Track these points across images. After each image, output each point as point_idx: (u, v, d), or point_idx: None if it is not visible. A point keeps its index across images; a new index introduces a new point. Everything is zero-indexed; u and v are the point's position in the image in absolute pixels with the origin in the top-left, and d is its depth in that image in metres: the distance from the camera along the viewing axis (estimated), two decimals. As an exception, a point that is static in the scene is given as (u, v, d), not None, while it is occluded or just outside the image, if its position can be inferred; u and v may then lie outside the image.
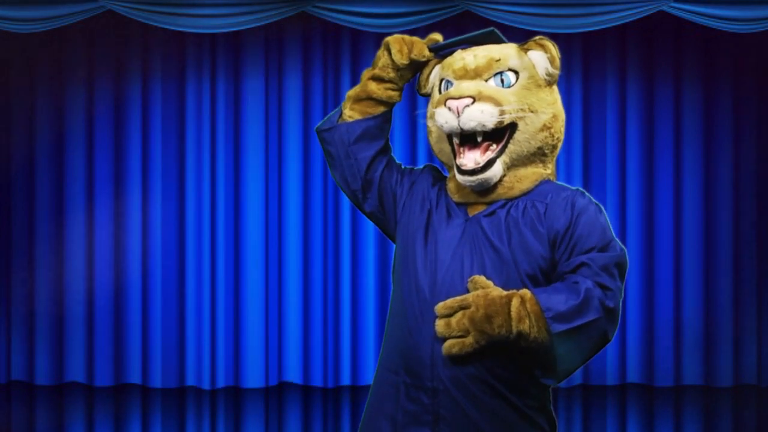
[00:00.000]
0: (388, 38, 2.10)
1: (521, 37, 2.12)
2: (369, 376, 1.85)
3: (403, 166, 2.17)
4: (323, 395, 5.38)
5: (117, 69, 5.52)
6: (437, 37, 2.11)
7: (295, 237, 5.52)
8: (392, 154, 2.17)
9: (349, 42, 5.51)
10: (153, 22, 4.84)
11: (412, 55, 2.06)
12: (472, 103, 1.92)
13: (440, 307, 1.87)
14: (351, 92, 2.15)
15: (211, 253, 5.49)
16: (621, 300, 1.91)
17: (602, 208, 1.99)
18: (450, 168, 2.06)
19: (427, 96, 2.12)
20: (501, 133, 1.96)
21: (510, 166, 1.98)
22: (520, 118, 1.95)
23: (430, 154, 2.14)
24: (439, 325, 1.86)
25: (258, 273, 5.50)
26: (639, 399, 5.34)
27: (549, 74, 2.00)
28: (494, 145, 1.96)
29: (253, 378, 5.48)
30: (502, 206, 1.97)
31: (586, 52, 5.54)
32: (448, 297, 1.88)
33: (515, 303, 1.81)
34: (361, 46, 5.45)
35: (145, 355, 5.48)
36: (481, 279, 1.88)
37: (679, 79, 5.56)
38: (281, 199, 5.54)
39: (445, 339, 1.86)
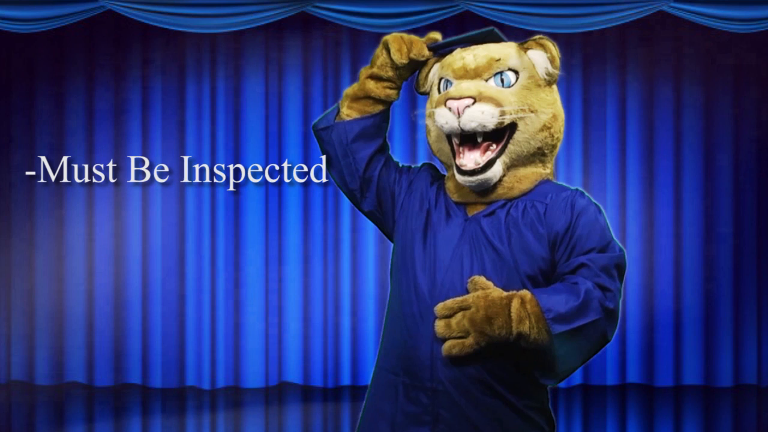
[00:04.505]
0: (387, 37, 2.08)
1: (521, 37, 2.11)
2: (369, 376, 1.85)
3: (400, 165, 2.16)
4: (323, 395, 5.38)
5: (117, 69, 5.52)
6: (436, 36, 2.10)
7: (295, 237, 5.52)
8: (390, 152, 2.16)
9: (349, 42, 5.51)
10: (153, 22, 4.84)
11: (412, 55, 2.05)
12: (473, 103, 1.91)
13: (440, 307, 1.86)
14: (349, 90, 2.14)
15: (211, 253, 5.49)
16: (620, 301, 1.91)
17: (601, 208, 1.98)
18: (449, 167, 2.05)
19: (426, 95, 2.11)
20: (501, 134, 1.95)
21: (510, 166, 1.97)
22: (521, 118, 1.95)
23: (430, 153, 2.13)
24: (439, 325, 1.85)
25: (258, 273, 5.49)
26: (639, 399, 5.34)
27: (549, 74, 2.00)
28: (494, 146, 1.95)
29: (253, 378, 5.48)
30: (502, 206, 1.96)
31: (586, 52, 5.54)
32: (447, 297, 1.88)
33: (515, 304, 1.81)
34: (361, 46, 5.45)
35: (145, 355, 5.48)
36: (481, 279, 1.87)
37: (679, 79, 5.55)
38: (281, 198, 5.54)
39: (444, 340, 1.85)
